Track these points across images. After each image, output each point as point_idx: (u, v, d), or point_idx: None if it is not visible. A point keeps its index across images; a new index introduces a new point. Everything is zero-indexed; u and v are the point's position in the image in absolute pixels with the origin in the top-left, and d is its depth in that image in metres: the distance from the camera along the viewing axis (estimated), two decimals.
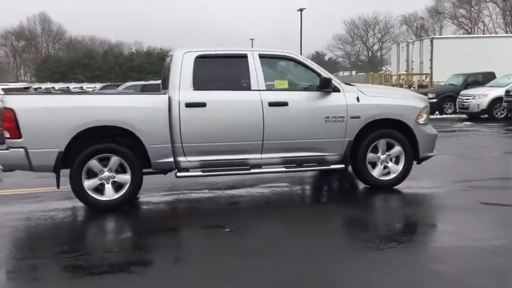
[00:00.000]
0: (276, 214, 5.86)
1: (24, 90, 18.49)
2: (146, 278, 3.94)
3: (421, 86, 27.34)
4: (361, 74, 54.49)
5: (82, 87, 55.37)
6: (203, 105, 5.99)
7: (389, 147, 6.70)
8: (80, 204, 5.94)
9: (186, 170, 6.16)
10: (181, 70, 6.07)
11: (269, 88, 6.32)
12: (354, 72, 73.38)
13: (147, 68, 67.94)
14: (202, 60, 6.18)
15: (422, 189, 6.91)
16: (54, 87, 54.41)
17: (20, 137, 5.59)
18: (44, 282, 4.00)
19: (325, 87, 6.33)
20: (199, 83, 6.08)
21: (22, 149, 5.60)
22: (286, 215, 5.81)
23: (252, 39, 68.23)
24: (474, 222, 5.32)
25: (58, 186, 5.90)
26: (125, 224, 5.72)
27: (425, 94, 20.02)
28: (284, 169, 6.42)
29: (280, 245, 4.64)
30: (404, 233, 5.12)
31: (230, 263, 4.20)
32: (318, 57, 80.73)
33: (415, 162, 6.85)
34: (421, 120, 6.76)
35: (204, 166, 6.17)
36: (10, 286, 3.89)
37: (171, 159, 6.01)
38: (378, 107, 6.56)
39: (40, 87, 28.41)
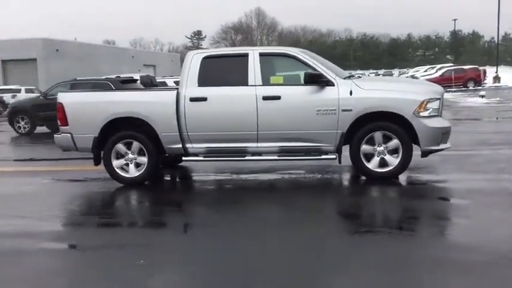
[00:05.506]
0: (269, 197, 6.61)
1: None
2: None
3: None
4: None
5: None
6: (204, 99, 6.95)
7: (388, 139, 6.74)
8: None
9: (195, 155, 7.20)
10: (189, 69, 7.12)
11: (265, 84, 6.96)
12: None
13: (349, 55, 70.02)
14: (208, 60, 7.14)
15: None
16: None
17: (67, 124, 7.33)
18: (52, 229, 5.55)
19: (312, 82, 6.70)
20: (203, 80, 7.05)
21: (69, 134, 7.35)
22: (277, 198, 6.53)
23: (454, 20, 67.18)
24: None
25: (95, 164, 7.49)
26: (138, 195, 7.02)
27: None
28: (277, 157, 7.01)
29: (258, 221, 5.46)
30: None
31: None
32: None
33: (418, 155, 6.76)
34: (425, 113, 6.61)
35: (209, 152, 7.13)
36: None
37: (180, 146, 7.12)
38: (370, 100, 6.65)
39: None
